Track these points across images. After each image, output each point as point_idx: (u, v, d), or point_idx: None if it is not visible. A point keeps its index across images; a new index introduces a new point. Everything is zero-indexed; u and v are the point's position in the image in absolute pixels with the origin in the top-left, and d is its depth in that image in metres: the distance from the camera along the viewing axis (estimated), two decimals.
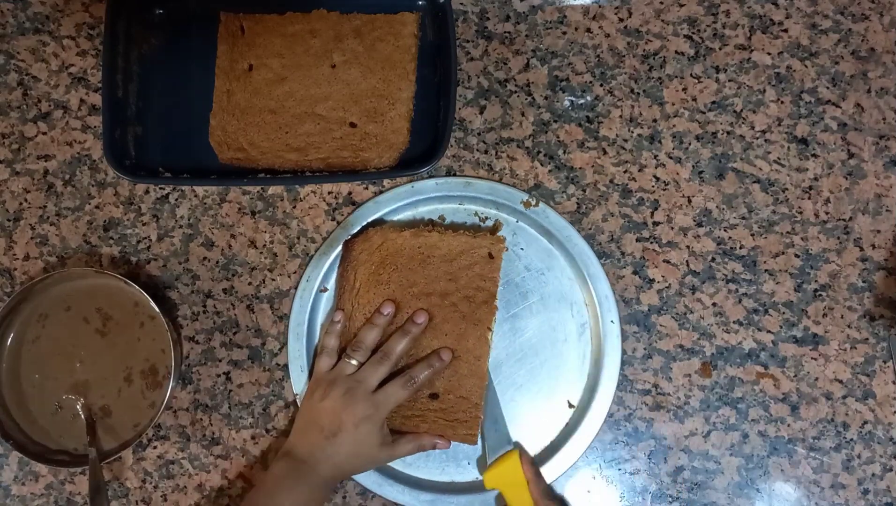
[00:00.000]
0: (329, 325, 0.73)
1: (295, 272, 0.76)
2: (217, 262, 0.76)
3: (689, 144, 0.76)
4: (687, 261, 0.75)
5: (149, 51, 0.77)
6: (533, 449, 0.73)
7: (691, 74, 0.77)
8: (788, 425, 0.73)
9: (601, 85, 0.77)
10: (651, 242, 0.76)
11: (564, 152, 0.77)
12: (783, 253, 0.75)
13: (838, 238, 0.75)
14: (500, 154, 0.77)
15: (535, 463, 0.71)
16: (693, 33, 0.78)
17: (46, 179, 0.77)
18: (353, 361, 0.70)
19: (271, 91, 0.76)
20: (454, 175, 0.76)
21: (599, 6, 0.78)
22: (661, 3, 0.78)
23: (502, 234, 0.75)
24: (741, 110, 0.77)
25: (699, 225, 0.76)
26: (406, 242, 0.73)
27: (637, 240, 0.76)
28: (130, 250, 0.77)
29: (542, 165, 0.76)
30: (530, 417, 0.74)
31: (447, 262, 0.72)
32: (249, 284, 0.76)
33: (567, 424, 0.74)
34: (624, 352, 0.74)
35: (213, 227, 0.77)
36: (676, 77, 0.77)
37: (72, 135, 0.78)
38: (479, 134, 0.77)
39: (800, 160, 0.76)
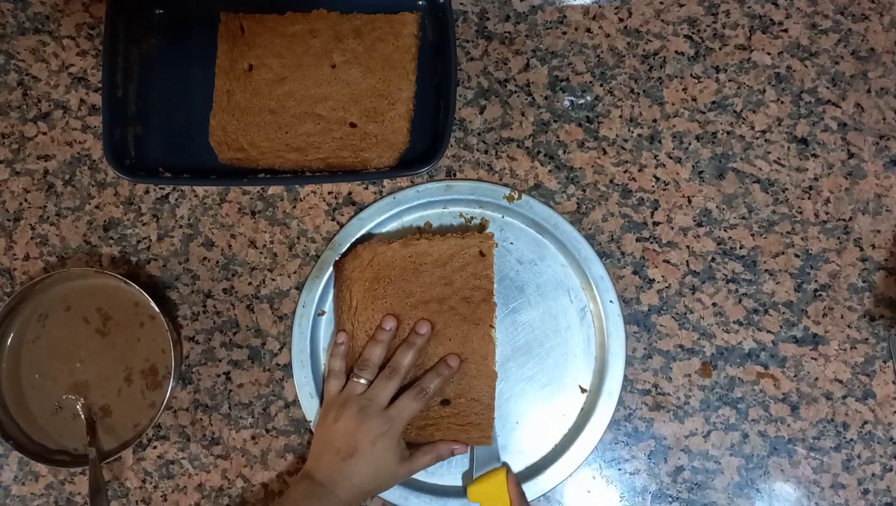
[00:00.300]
0: (333, 347, 0.73)
1: (295, 272, 0.76)
2: (217, 262, 0.76)
3: (689, 144, 0.76)
4: (687, 261, 0.75)
5: (149, 51, 0.77)
6: (552, 439, 0.73)
7: (691, 74, 0.77)
8: (788, 425, 0.73)
9: (601, 85, 0.77)
10: (651, 242, 0.76)
11: (564, 152, 0.77)
12: (783, 253, 0.75)
13: (838, 238, 0.75)
14: (500, 154, 0.77)
15: (520, 485, 0.71)
16: (693, 33, 0.78)
17: (46, 179, 0.77)
18: (362, 380, 0.69)
19: (271, 91, 0.76)
20: (434, 179, 0.76)
21: (599, 6, 0.78)
22: (661, 3, 0.78)
23: (490, 231, 0.75)
24: (741, 110, 0.77)
25: (699, 225, 0.76)
26: (396, 253, 0.72)
27: (637, 240, 0.76)
28: (130, 250, 0.77)
29: (542, 165, 0.76)
30: (545, 407, 0.74)
31: (440, 266, 0.72)
32: (249, 284, 0.76)
33: (582, 408, 0.74)
34: (627, 333, 0.74)
35: (213, 227, 0.77)
36: (676, 77, 0.77)
37: (72, 135, 0.78)
38: (479, 134, 0.77)
39: (800, 160, 0.76)
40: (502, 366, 0.74)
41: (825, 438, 0.73)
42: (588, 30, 0.78)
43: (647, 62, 0.77)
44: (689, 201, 0.76)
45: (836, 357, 0.74)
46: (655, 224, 0.76)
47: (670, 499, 0.73)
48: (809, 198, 0.76)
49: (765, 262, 0.75)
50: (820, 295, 0.75)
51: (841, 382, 0.74)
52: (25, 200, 0.77)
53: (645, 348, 0.74)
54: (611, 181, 0.76)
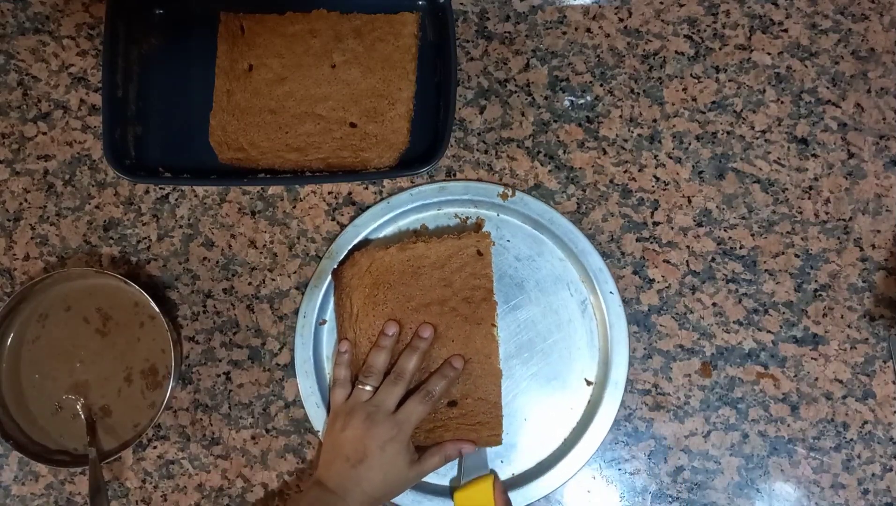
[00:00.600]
0: (336, 356, 0.73)
1: (295, 272, 0.76)
2: (217, 262, 0.76)
3: (689, 144, 0.76)
4: (687, 261, 0.75)
5: (149, 51, 0.77)
6: (562, 433, 0.73)
7: (691, 74, 0.77)
8: (788, 425, 0.73)
9: (601, 85, 0.77)
10: (651, 242, 0.76)
11: (564, 152, 0.77)
12: (783, 253, 0.75)
13: (838, 238, 0.75)
14: (500, 154, 0.77)
15: (507, 493, 0.71)
16: (693, 33, 0.78)
17: (46, 179, 0.77)
18: (368, 387, 0.69)
19: (271, 91, 0.76)
20: (427, 181, 0.76)
21: (599, 6, 0.78)
22: (661, 3, 0.78)
23: (486, 229, 0.75)
24: (741, 110, 0.77)
25: (699, 225, 0.76)
26: (394, 258, 0.72)
27: (637, 240, 0.76)
28: (130, 250, 0.77)
29: (542, 165, 0.76)
30: (551, 402, 0.74)
31: (438, 268, 0.72)
32: (249, 284, 0.76)
33: (589, 401, 0.74)
34: (629, 323, 0.74)
35: (213, 227, 0.77)
36: (676, 77, 0.77)
37: (72, 135, 0.78)
38: (479, 134, 0.77)
39: (800, 160, 0.76)
40: (506, 364, 0.74)
41: (825, 438, 0.73)
42: (588, 30, 0.78)
43: (647, 62, 0.77)
44: (689, 201, 0.76)
45: (836, 357, 0.74)
46: (655, 224, 0.76)
47: (670, 499, 0.73)
48: (809, 198, 0.76)
49: (765, 262, 0.75)
50: (820, 295, 0.75)
51: (841, 382, 0.74)
52: (25, 200, 0.77)
53: (645, 348, 0.74)
54: (611, 181, 0.76)
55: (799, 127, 0.76)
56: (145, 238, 0.77)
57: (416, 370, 0.70)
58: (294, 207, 0.77)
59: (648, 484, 0.73)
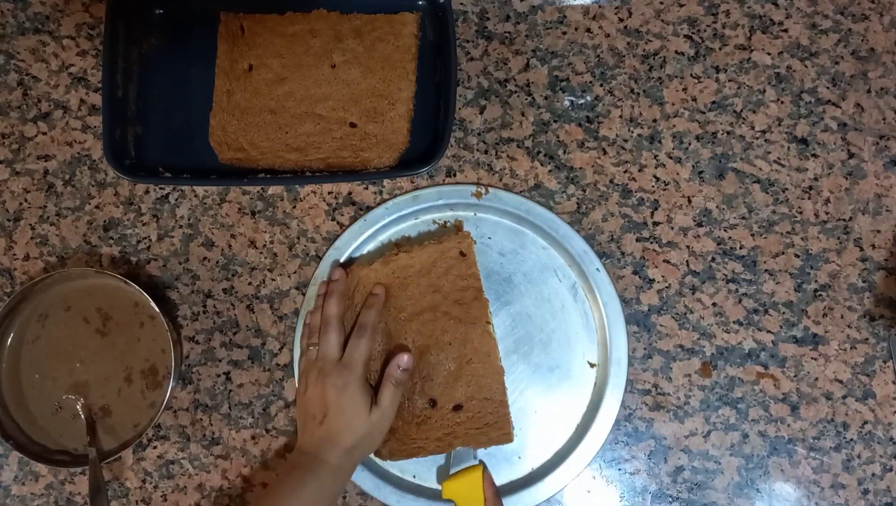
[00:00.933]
0: (304, 329, 0.73)
1: (295, 272, 0.76)
2: (217, 262, 0.76)
3: (689, 143, 0.76)
4: (687, 261, 0.75)
5: (149, 51, 0.77)
6: (573, 420, 0.73)
7: (691, 74, 0.77)
8: (788, 425, 0.73)
9: (601, 85, 0.77)
10: (651, 242, 0.76)
11: (564, 152, 0.77)
12: (783, 253, 0.75)
13: (838, 238, 0.75)
14: (500, 154, 0.77)
15: (495, 485, 0.71)
16: (693, 33, 0.78)
17: (46, 179, 0.77)
18: (313, 348, 0.70)
19: (271, 91, 0.76)
20: (399, 193, 0.76)
21: (599, 6, 0.78)
22: (661, 3, 0.78)
23: (466, 230, 0.75)
24: (741, 110, 0.77)
25: (699, 225, 0.76)
26: (378, 273, 0.72)
27: (637, 240, 0.76)
28: (130, 250, 0.77)
29: (542, 165, 0.76)
30: (558, 391, 0.74)
31: (424, 275, 0.72)
32: (249, 284, 0.76)
33: (595, 383, 0.74)
34: (621, 298, 0.74)
35: (213, 227, 0.77)
36: (676, 77, 0.77)
37: (72, 135, 0.78)
38: (479, 134, 0.77)
39: (800, 160, 0.76)
40: (507, 359, 0.74)
41: (825, 438, 0.73)
42: (588, 30, 0.78)
43: (647, 62, 0.77)
44: (689, 201, 0.76)
45: (836, 357, 0.74)
46: (655, 224, 0.76)
47: (670, 499, 0.73)
48: (809, 198, 0.76)
49: (765, 262, 0.75)
50: (820, 295, 0.75)
51: (841, 382, 0.74)
52: (25, 200, 0.77)
53: (645, 348, 0.74)
54: (611, 181, 0.76)
55: (799, 127, 0.76)
56: (145, 238, 0.77)
57: (374, 323, 0.70)
58: (294, 207, 0.77)
59: (648, 484, 0.73)
